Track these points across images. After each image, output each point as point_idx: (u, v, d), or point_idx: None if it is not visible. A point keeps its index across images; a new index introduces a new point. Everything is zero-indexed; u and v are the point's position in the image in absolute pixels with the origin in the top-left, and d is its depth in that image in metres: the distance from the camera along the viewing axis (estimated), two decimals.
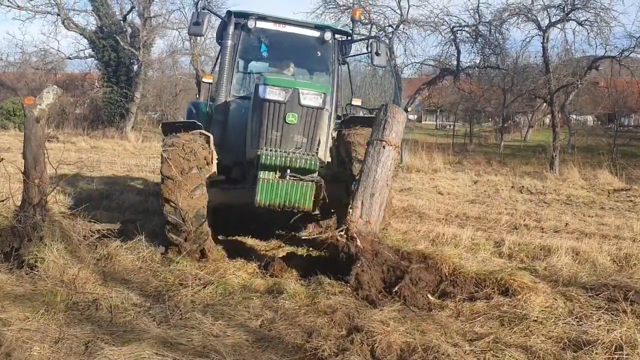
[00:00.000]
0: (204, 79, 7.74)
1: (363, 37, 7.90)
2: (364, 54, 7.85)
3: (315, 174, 6.34)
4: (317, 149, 6.54)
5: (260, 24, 7.40)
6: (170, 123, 6.91)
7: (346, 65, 8.14)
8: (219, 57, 7.62)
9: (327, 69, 7.73)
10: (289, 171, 6.19)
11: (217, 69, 7.86)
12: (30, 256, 5.62)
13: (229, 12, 7.46)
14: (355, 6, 20.90)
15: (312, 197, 6.28)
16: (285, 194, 6.20)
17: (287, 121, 6.30)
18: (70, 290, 5.17)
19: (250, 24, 7.26)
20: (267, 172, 6.20)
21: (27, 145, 5.88)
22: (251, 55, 7.93)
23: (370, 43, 7.67)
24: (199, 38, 28.08)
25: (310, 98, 6.35)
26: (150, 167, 15.59)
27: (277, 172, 6.21)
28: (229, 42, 7.27)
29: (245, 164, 6.87)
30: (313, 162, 6.28)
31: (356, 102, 7.78)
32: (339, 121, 7.43)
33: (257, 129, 6.44)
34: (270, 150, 6.23)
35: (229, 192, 6.87)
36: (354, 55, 7.96)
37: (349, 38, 7.89)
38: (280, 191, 6.19)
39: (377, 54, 7.53)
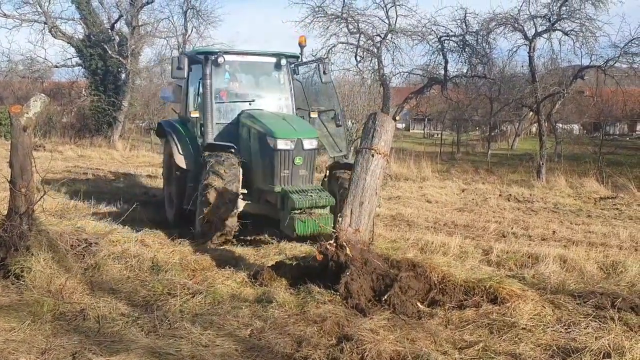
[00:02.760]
0: (191, 114, 8.97)
1: (311, 60, 9.80)
2: (311, 61, 9.79)
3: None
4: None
5: (228, 57, 8.85)
6: (215, 144, 8.40)
7: (299, 81, 9.74)
8: (197, 94, 9.25)
9: (283, 86, 9.36)
10: (315, 210, 7.69)
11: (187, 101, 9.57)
12: (16, 266, 5.58)
13: (205, 56, 8.74)
14: (347, 17, 21.04)
15: (332, 223, 7.42)
16: (314, 226, 7.50)
17: (295, 163, 8.01)
18: (57, 300, 5.13)
19: (220, 60, 8.62)
20: (299, 211, 7.58)
21: (14, 154, 5.84)
22: (221, 83, 9.21)
23: (318, 65, 9.26)
24: (187, 48, 28.20)
25: (309, 143, 8.11)
26: (137, 176, 15.50)
27: (305, 210, 7.62)
28: (208, 82, 8.67)
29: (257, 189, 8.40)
30: (330, 199, 7.83)
31: (314, 114, 9.21)
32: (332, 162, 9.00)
33: (269, 169, 8.08)
34: (300, 194, 7.66)
35: (248, 204, 8.19)
36: (304, 63, 9.76)
37: (299, 60, 9.42)
38: (311, 224, 7.54)
39: (325, 72, 9.15)
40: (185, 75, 8.72)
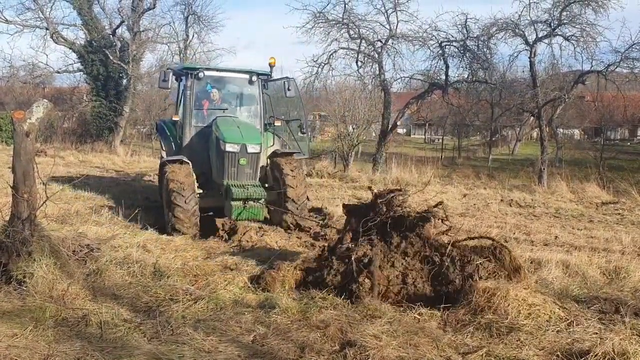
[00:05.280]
0: (173, 117, 10.56)
1: (279, 78, 10.95)
2: (279, 79, 10.94)
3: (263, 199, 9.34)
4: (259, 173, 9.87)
5: (207, 73, 10.45)
6: (171, 159, 9.68)
7: (268, 94, 11.18)
8: (181, 102, 10.69)
9: (254, 98, 10.87)
10: (249, 202, 9.16)
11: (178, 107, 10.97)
12: (18, 272, 5.55)
13: (186, 71, 10.36)
14: (348, 22, 21.10)
15: (264, 213, 9.44)
16: (249, 213, 9.13)
17: (240, 163, 9.53)
18: (59, 306, 5.11)
19: (200, 75, 10.16)
20: (237, 201, 9.10)
21: (17, 160, 5.83)
22: (201, 94, 10.70)
23: (284, 82, 10.63)
24: (188, 53, 28.34)
25: (253, 148, 9.57)
26: (138, 181, 15.50)
27: (243, 200, 9.11)
28: (188, 92, 10.16)
29: (210, 178, 9.95)
30: (262, 193, 9.32)
31: (277, 123, 10.83)
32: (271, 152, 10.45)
33: (220, 166, 9.62)
34: (238, 188, 9.16)
35: (203, 199, 9.51)
36: (273, 80, 11.07)
37: (269, 77, 10.83)
38: (246, 212, 9.12)
39: (289, 89, 10.57)
40: (169, 87, 10.43)
